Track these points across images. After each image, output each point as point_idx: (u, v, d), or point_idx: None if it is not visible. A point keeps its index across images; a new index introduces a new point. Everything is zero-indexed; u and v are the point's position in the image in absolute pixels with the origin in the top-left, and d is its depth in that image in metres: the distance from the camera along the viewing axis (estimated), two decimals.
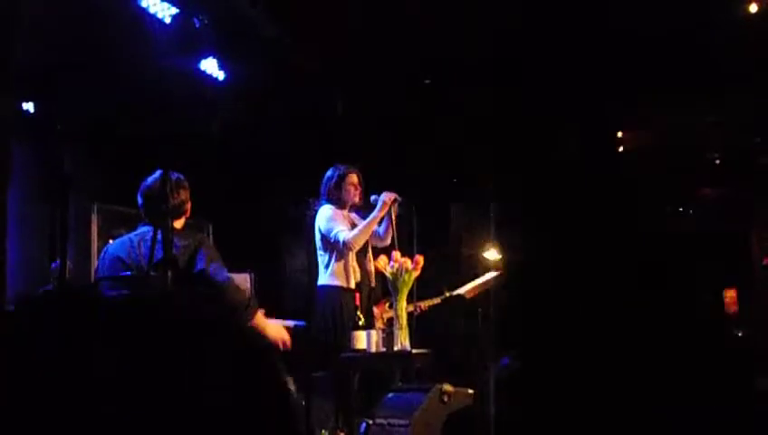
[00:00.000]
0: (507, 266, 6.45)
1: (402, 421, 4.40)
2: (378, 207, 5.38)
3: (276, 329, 4.30)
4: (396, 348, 4.93)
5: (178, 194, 4.05)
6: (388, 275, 5.03)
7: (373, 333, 4.99)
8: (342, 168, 5.55)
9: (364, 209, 5.54)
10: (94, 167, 6.14)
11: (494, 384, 6.22)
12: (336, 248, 5.37)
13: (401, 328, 4.94)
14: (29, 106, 5.75)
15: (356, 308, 5.12)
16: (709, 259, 8.42)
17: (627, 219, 8.16)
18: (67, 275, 3.84)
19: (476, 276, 5.80)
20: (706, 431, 6.68)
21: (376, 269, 5.31)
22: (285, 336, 4.29)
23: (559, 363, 7.42)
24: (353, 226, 5.47)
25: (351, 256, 5.38)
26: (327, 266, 5.41)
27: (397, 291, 5.00)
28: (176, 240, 3.69)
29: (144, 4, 5.74)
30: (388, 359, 5.02)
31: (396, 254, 5.06)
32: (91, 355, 1.89)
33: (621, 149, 8.48)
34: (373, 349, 4.96)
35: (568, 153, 7.95)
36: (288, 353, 5.77)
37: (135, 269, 3.88)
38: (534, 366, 7.14)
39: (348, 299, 5.27)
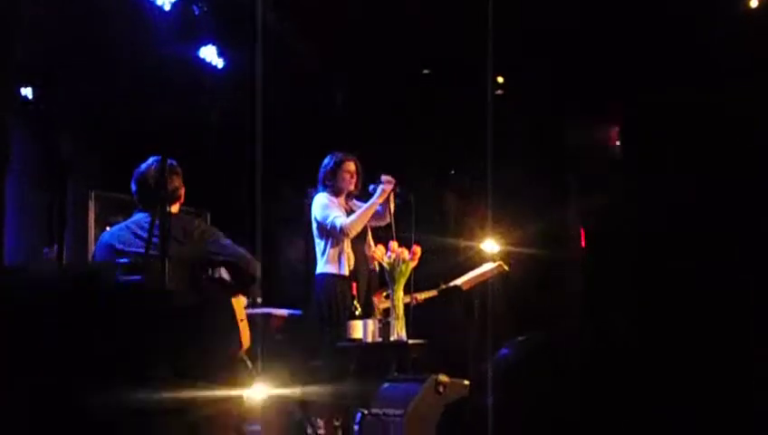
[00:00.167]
0: (506, 259, 6.42)
1: (397, 411, 4.40)
2: (377, 193, 5.36)
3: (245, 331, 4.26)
4: (392, 338, 4.94)
5: (172, 180, 4.09)
6: (385, 265, 5.03)
7: (369, 323, 4.99)
8: (339, 155, 5.52)
9: (365, 198, 5.52)
10: (92, 154, 6.14)
11: (492, 375, 6.20)
12: (332, 235, 5.36)
13: (398, 318, 4.95)
14: (27, 92, 5.74)
15: (353, 298, 5.12)
16: None
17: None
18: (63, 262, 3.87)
19: (473, 268, 5.78)
20: None
21: (373, 259, 5.31)
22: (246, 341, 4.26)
23: (561, 354, 7.37)
24: (350, 212, 5.45)
25: (347, 243, 5.36)
26: (323, 254, 5.40)
27: (394, 281, 5.00)
28: (174, 223, 3.87)
29: None
30: (384, 349, 5.03)
31: (393, 244, 5.06)
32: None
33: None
34: (369, 339, 4.96)
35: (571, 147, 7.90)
36: (285, 341, 5.80)
37: (132, 256, 3.89)
38: (535, 357, 7.10)
39: (344, 288, 5.26)
